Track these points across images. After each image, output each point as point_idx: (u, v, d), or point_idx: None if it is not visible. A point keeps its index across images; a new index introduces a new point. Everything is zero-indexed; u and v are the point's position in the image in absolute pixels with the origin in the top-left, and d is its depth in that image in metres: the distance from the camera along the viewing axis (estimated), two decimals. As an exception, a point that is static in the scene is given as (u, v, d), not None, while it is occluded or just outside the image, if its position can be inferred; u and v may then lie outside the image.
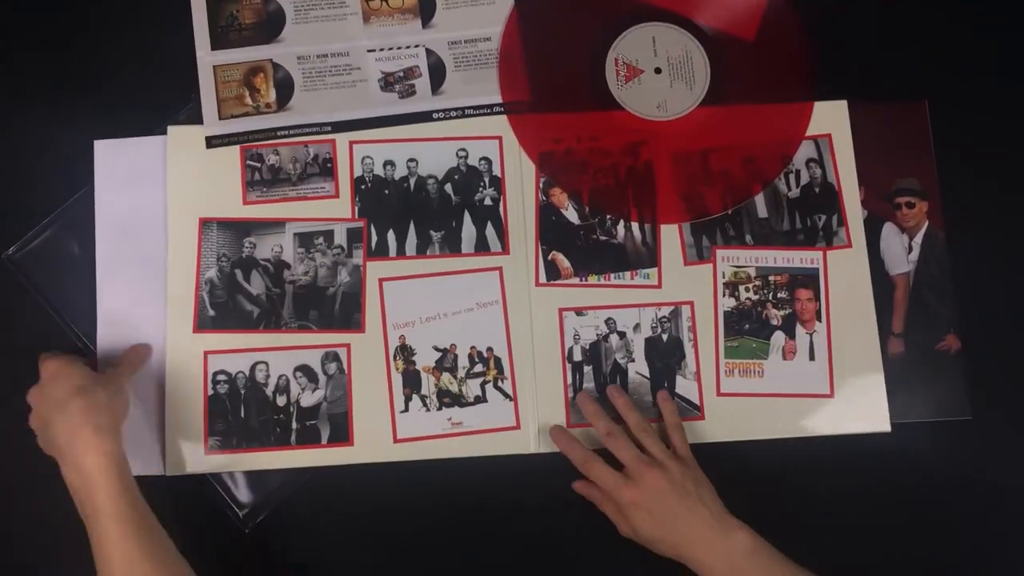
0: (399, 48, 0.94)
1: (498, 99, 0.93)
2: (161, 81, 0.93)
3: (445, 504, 0.87)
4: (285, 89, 0.93)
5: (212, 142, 0.91)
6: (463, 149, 0.92)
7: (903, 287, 0.91)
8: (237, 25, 0.94)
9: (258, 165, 0.91)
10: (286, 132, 0.92)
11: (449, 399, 0.88)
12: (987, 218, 0.93)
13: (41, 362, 0.82)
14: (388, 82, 0.93)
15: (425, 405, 0.88)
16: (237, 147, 0.91)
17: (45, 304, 0.89)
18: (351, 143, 0.91)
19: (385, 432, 0.87)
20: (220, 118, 0.92)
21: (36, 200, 0.91)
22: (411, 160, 0.92)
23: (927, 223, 0.92)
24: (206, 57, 0.93)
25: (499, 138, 0.92)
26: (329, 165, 0.91)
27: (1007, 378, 0.90)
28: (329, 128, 0.92)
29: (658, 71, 0.94)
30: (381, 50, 0.94)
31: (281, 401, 0.86)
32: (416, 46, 0.95)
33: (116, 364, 0.84)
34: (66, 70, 0.94)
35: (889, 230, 0.92)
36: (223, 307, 0.88)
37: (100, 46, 0.95)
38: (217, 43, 0.93)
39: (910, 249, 0.92)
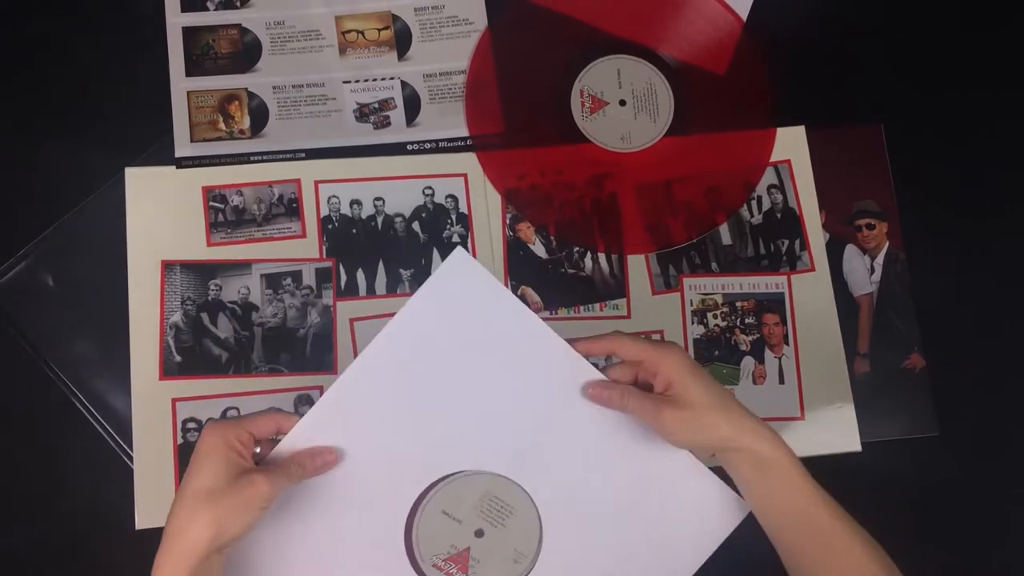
0: (374, 80, 0.95)
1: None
2: (138, 115, 0.92)
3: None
4: (260, 117, 0.92)
5: (183, 163, 0.90)
6: (429, 187, 0.92)
7: (867, 308, 0.93)
8: (213, 54, 0.94)
9: (221, 206, 0.90)
10: (259, 157, 0.91)
11: (425, 437, 0.87)
12: (945, 236, 0.95)
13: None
14: (363, 113, 0.94)
15: (400, 444, 0.87)
16: (200, 188, 0.90)
17: (18, 337, 0.87)
18: (316, 183, 0.91)
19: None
20: (192, 141, 0.91)
21: (9, 232, 0.89)
22: (378, 199, 0.91)
23: (887, 244, 0.94)
24: (180, 83, 0.93)
25: (464, 176, 0.93)
26: (295, 205, 0.90)
27: (971, 393, 0.92)
28: (303, 155, 0.92)
29: (623, 103, 0.96)
30: (356, 81, 0.94)
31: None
32: (391, 78, 0.95)
33: (282, 469, 0.67)
34: (38, 102, 0.93)
35: (851, 252, 0.94)
36: (190, 352, 0.86)
37: (76, 79, 0.94)
38: (192, 71, 0.93)
39: (872, 270, 0.94)
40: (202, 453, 0.65)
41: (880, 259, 0.94)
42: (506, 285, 0.91)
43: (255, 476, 0.64)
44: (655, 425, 0.71)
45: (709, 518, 0.75)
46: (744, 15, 0.98)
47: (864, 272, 0.94)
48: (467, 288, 0.72)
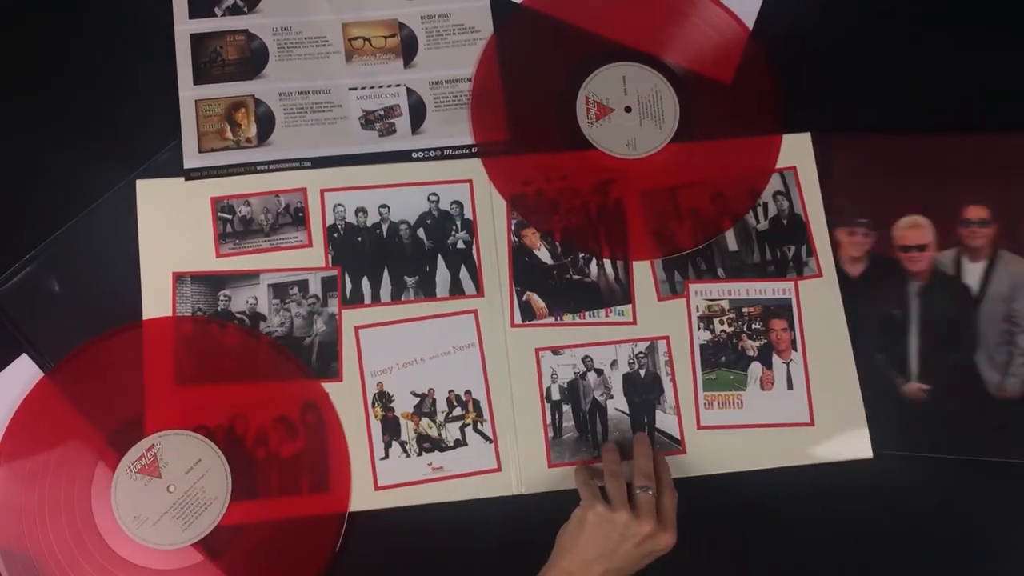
0: (380, 87, 0.95)
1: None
2: (145, 120, 0.94)
3: (427, 547, 0.87)
4: (266, 124, 0.93)
5: (191, 175, 0.91)
6: (434, 193, 0.92)
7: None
8: (220, 61, 0.95)
9: (229, 217, 0.91)
10: (266, 167, 0.92)
11: (429, 444, 0.88)
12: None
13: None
14: (368, 120, 0.94)
15: (405, 451, 0.87)
16: (208, 199, 0.91)
17: (23, 342, 0.88)
18: (322, 191, 0.92)
19: (366, 480, 0.86)
20: (200, 151, 0.92)
21: (16, 236, 0.90)
22: (383, 206, 0.92)
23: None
24: (188, 92, 0.94)
25: (470, 182, 0.93)
26: (301, 214, 0.91)
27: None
28: (309, 164, 0.92)
29: (628, 110, 0.96)
30: (362, 88, 0.95)
31: (261, 453, 0.86)
32: (397, 85, 0.95)
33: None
34: (46, 107, 0.94)
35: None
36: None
37: (84, 84, 0.95)
38: (200, 78, 0.94)
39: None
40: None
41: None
42: (511, 291, 0.91)
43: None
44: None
45: None
46: (750, 23, 0.98)
47: None
48: None
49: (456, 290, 0.91)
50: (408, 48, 0.96)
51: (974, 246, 0.92)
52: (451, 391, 0.89)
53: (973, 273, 0.91)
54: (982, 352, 0.90)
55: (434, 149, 0.94)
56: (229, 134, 0.93)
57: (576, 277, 0.92)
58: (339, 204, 0.91)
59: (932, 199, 0.94)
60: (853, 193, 0.94)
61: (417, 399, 0.88)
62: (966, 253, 0.92)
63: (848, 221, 0.94)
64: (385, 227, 0.92)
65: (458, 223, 0.92)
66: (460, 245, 0.92)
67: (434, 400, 0.88)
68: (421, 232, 0.92)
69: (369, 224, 0.92)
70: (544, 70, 0.97)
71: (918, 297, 0.91)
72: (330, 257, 0.90)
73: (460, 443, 0.88)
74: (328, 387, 0.88)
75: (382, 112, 0.95)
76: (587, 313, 0.91)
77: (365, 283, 0.90)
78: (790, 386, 0.90)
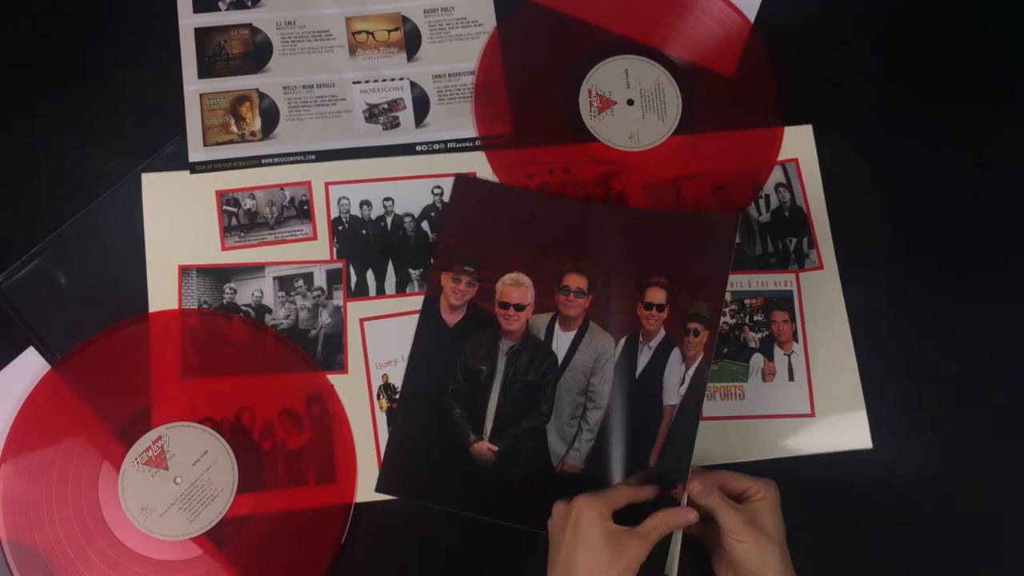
0: (384, 80, 0.96)
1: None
2: (150, 114, 0.94)
3: (433, 538, 0.87)
4: (270, 118, 0.94)
5: (196, 168, 0.92)
6: (438, 186, 0.93)
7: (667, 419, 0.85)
8: (224, 55, 0.95)
9: (234, 210, 0.91)
10: (270, 160, 0.92)
11: (434, 436, 0.88)
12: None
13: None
14: (372, 114, 0.95)
15: (411, 443, 0.88)
16: (213, 192, 0.91)
17: (29, 335, 0.88)
18: (327, 184, 0.92)
19: (372, 471, 0.86)
20: (205, 145, 0.93)
21: (22, 229, 0.91)
22: (387, 199, 0.92)
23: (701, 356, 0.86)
24: (192, 86, 0.94)
25: (473, 174, 0.93)
26: (306, 207, 0.92)
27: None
28: (313, 157, 0.93)
29: (631, 102, 0.96)
30: (366, 82, 0.96)
31: (267, 445, 0.86)
32: (401, 79, 0.96)
33: (647, 530, 0.75)
34: (51, 102, 0.95)
35: (675, 358, 0.86)
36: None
37: (89, 78, 0.96)
38: (204, 72, 0.95)
39: (683, 381, 0.85)
40: (584, 527, 0.74)
41: (691, 371, 0.85)
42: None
43: (630, 541, 0.73)
44: (726, 522, 0.77)
45: None
46: (752, 16, 0.99)
47: (676, 381, 0.85)
48: None
49: (460, 282, 0.91)
50: (411, 42, 0.97)
51: (568, 315, 0.88)
52: (455, 383, 0.89)
53: (563, 342, 0.88)
54: (554, 422, 0.86)
55: (438, 142, 0.94)
56: (234, 128, 0.93)
57: (579, 269, 0.93)
58: (343, 197, 0.92)
59: (537, 260, 0.89)
60: (465, 239, 0.90)
61: (422, 391, 0.89)
62: (560, 320, 0.88)
63: (454, 267, 0.89)
64: (389, 220, 0.92)
65: (462, 216, 0.93)
66: (464, 237, 0.92)
67: (439, 392, 0.89)
68: (425, 225, 0.92)
69: (373, 217, 0.92)
70: (547, 63, 0.97)
71: (506, 356, 0.87)
72: (335, 250, 0.91)
73: (465, 434, 0.88)
74: (333, 379, 0.88)
75: (386, 105, 0.95)
76: (590, 306, 0.92)
77: (370, 275, 0.91)
78: (791, 377, 0.91)
